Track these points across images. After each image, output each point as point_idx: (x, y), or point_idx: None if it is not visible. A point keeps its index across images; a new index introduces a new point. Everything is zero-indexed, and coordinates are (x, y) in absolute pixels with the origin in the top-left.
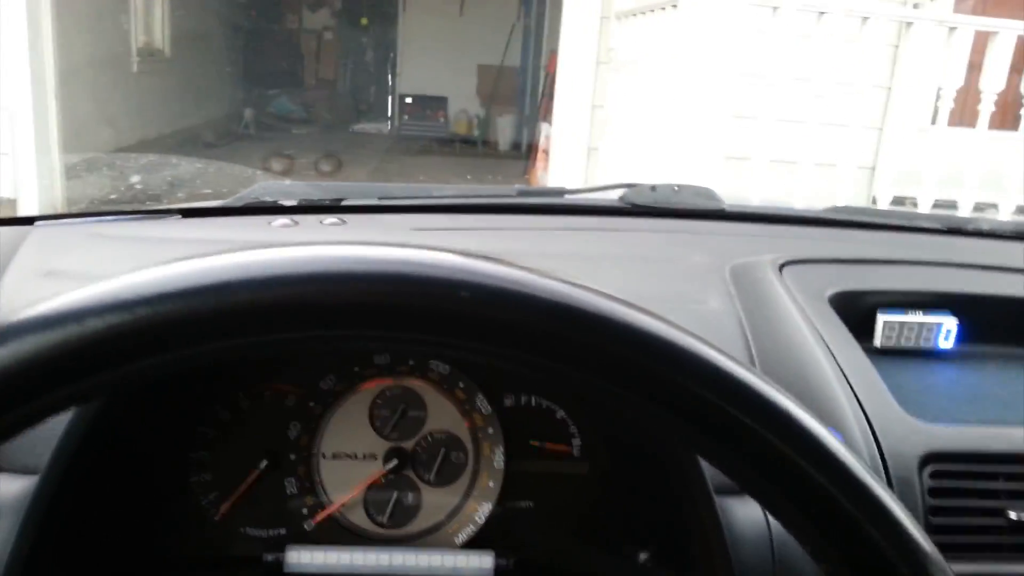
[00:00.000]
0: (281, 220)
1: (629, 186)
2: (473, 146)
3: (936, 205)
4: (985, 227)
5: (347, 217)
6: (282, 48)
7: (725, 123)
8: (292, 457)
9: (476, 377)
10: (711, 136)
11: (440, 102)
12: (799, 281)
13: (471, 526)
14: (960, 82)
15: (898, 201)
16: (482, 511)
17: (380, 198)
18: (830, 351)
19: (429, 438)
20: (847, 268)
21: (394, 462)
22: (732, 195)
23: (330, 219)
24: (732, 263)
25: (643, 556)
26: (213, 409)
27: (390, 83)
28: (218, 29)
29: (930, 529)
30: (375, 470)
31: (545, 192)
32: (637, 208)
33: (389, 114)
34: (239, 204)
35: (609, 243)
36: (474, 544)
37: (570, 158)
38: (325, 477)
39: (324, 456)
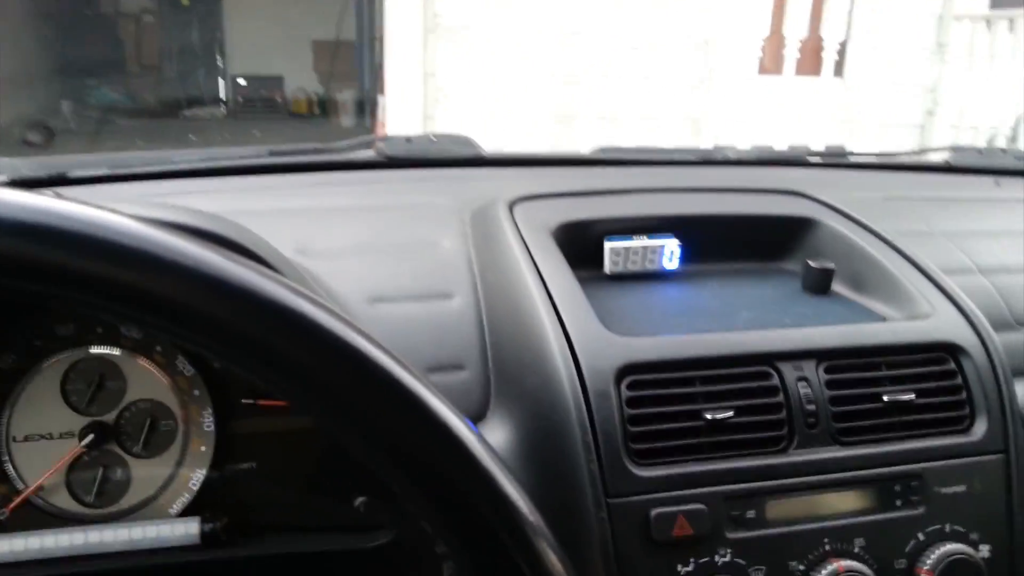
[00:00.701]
0: None
1: (385, 139)
2: (315, 124)
3: None
4: (732, 156)
5: (70, 190)
6: (98, 34)
7: (552, 84)
8: None
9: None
10: (539, 97)
11: (276, 81)
12: (527, 216)
13: (185, 495)
14: (766, 31)
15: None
16: (196, 478)
17: (112, 168)
18: (542, 280)
19: (132, 408)
20: (575, 201)
21: (90, 437)
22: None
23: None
24: (474, 206)
25: (359, 500)
26: None
27: (220, 65)
28: (23, 16)
29: (630, 438)
30: (72, 448)
31: (298, 151)
32: (394, 160)
33: (224, 97)
34: None
35: (359, 196)
36: (191, 512)
37: (405, 129)
38: (19, 462)
39: (15, 439)
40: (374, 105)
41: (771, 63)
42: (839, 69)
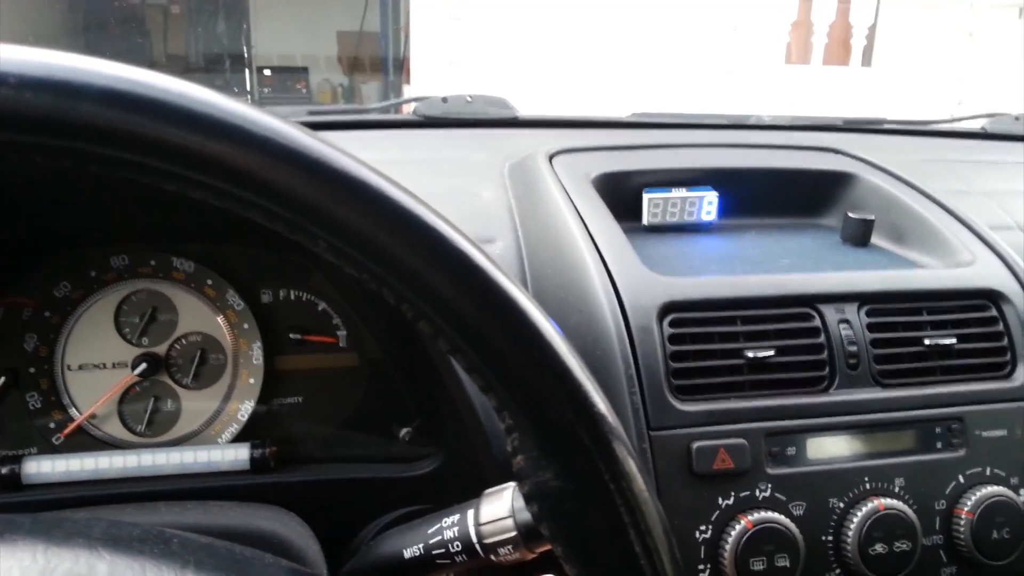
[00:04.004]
0: None
1: (422, 99)
2: None
3: None
4: (767, 120)
5: None
6: (127, 25)
7: (576, 73)
8: (32, 371)
9: (225, 273)
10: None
11: (301, 73)
12: (567, 167)
13: (234, 426)
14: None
15: None
16: (244, 410)
17: None
18: (584, 223)
19: (183, 341)
20: (614, 153)
21: (143, 366)
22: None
23: None
24: (511, 160)
25: (404, 432)
26: None
27: (246, 56)
28: (50, 8)
29: (672, 374)
30: (125, 377)
31: (335, 111)
32: (430, 120)
33: (248, 88)
34: None
35: (396, 151)
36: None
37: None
38: (72, 390)
39: (69, 368)
40: (399, 96)
41: (798, 52)
42: (867, 58)
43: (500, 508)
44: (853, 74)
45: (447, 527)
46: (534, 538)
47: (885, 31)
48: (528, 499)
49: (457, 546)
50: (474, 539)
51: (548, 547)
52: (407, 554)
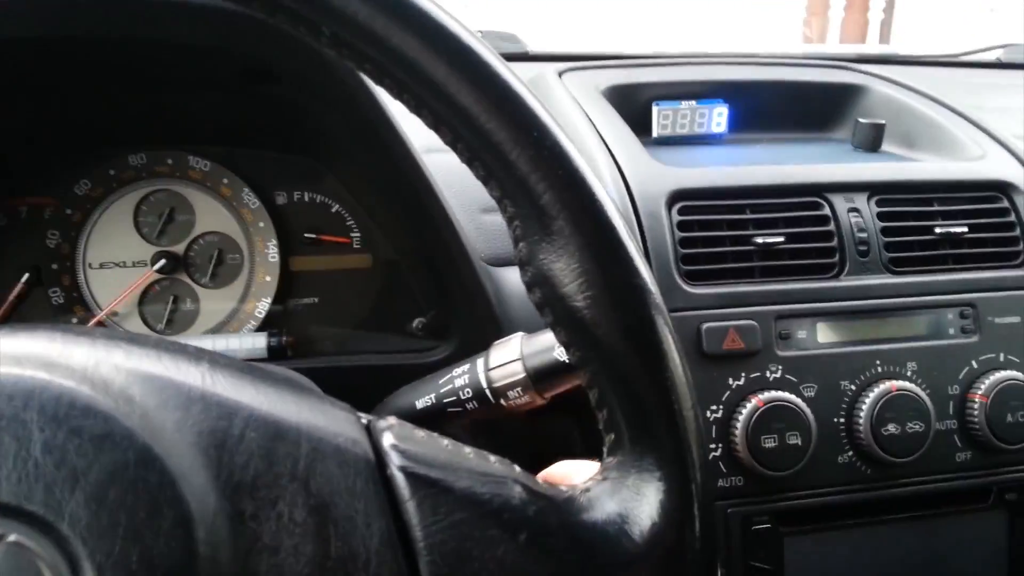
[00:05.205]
0: None
1: None
2: None
3: None
4: (779, 56)
5: None
6: None
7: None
8: (54, 267)
9: (241, 172)
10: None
11: None
12: (576, 82)
13: (251, 323)
14: None
15: None
16: (260, 307)
17: None
18: (592, 124)
19: (201, 241)
20: (623, 70)
21: (162, 262)
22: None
23: None
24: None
25: (416, 322)
26: None
27: None
28: None
29: (681, 259)
30: (145, 273)
31: None
32: None
33: None
34: None
35: None
36: None
37: None
38: (93, 287)
39: (91, 266)
40: None
41: (814, 31)
42: (885, 36)
43: (509, 353)
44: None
45: (457, 376)
46: (542, 380)
47: (903, 6)
48: (531, 286)
49: (468, 392)
50: (484, 384)
51: (556, 390)
52: (419, 404)
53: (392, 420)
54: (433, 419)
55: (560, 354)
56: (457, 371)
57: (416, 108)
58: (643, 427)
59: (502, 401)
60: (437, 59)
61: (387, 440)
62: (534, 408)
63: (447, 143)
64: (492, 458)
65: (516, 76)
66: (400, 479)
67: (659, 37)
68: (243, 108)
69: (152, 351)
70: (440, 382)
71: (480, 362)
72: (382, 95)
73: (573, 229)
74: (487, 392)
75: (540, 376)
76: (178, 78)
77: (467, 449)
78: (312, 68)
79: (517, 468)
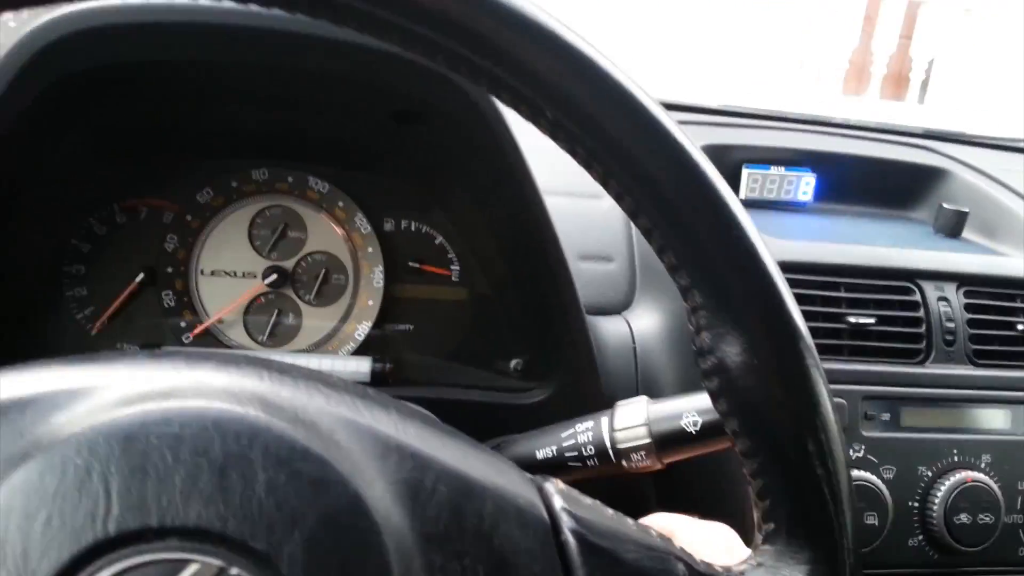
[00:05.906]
0: None
1: None
2: None
3: None
4: (853, 123)
5: None
6: None
7: None
8: (169, 271)
9: (356, 196)
10: None
11: None
12: None
13: (350, 344)
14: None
15: None
16: (361, 330)
17: None
18: None
19: (309, 259)
20: (714, 128)
21: (272, 276)
22: None
23: None
24: None
25: (515, 362)
26: (87, 223)
27: None
28: None
29: None
30: (254, 286)
31: None
32: None
33: None
34: None
35: None
36: None
37: None
38: (203, 293)
39: (203, 273)
40: None
41: (855, 83)
42: (922, 95)
43: (635, 416)
44: (909, 110)
45: (581, 432)
46: (666, 447)
47: (942, 66)
48: (709, 374)
49: (590, 449)
50: (608, 444)
51: (677, 458)
52: (540, 455)
53: (560, 483)
54: (551, 471)
55: (687, 424)
56: (580, 427)
57: (618, 197)
58: (806, 526)
59: (623, 462)
60: (658, 165)
61: (558, 503)
62: (651, 472)
63: (630, 215)
64: (653, 532)
65: (711, 164)
66: (573, 545)
67: (708, 86)
68: (383, 139)
69: (348, 396)
70: (562, 435)
71: (605, 421)
72: (522, 141)
73: (765, 332)
74: (610, 452)
75: (664, 443)
76: (327, 106)
77: (629, 520)
78: (462, 111)
79: (678, 544)
